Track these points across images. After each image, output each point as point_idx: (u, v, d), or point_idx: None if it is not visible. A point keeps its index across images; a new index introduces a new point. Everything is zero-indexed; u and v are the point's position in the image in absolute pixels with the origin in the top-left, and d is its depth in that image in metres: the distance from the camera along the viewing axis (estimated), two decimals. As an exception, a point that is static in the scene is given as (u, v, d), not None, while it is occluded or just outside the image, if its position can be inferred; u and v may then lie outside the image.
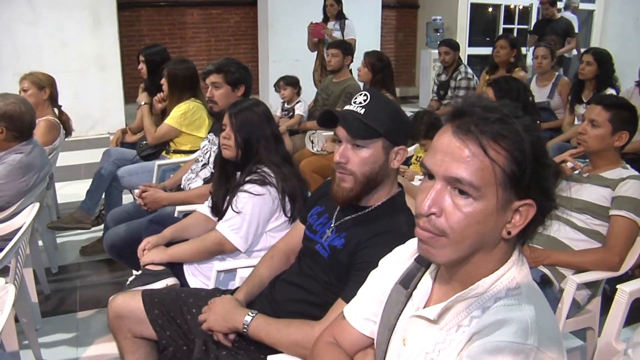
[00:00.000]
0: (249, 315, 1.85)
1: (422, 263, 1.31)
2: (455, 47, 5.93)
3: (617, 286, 2.37)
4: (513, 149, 1.06)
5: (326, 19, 6.66)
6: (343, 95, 4.84)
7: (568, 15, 8.44)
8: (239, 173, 2.49)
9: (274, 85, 5.40)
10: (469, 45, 10.11)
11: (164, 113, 4.03)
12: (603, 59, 4.68)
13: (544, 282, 2.42)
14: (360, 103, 1.74)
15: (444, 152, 1.09)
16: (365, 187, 1.77)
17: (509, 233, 1.10)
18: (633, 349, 1.98)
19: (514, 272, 1.15)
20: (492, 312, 1.10)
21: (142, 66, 4.47)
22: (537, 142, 1.09)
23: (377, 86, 4.45)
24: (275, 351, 1.80)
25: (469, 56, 9.99)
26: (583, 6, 11.37)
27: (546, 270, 2.48)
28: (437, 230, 1.09)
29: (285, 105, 5.23)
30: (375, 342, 1.38)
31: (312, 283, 1.91)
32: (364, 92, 1.77)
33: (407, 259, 1.36)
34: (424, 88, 9.59)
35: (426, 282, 1.27)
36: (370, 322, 1.41)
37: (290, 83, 5.18)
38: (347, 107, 1.77)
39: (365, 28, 8.50)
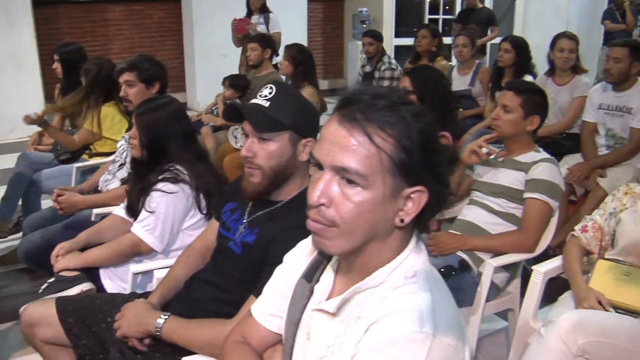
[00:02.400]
0: (161, 317, 1.81)
1: (324, 256, 1.29)
2: (378, 37, 5.94)
3: (532, 267, 2.44)
4: (400, 136, 1.05)
5: (250, 13, 6.58)
6: (266, 89, 4.79)
7: None
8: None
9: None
10: (396, 36, 10.18)
11: (79, 112, 3.91)
12: (520, 47, 4.80)
13: (462, 267, 2.47)
14: (266, 96, 1.71)
15: (331, 141, 1.07)
16: (274, 181, 1.75)
17: (402, 221, 1.10)
18: (546, 327, 2.04)
19: (412, 260, 1.14)
20: (388, 301, 1.09)
21: (57, 66, 4.31)
22: (426, 128, 1.08)
23: (299, 79, 4.44)
24: (191, 352, 1.77)
25: (396, 47, 10.07)
26: (506, -5, 11.70)
27: (464, 255, 2.53)
28: (327, 221, 1.08)
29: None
30: (283, 337, 1.37)
31: (226, 281, 1.88)
32: (269, 85, 1.74)
33: (311, 253, 1.34)
34: (353, 79, 9.61)
35: (328, 275, 1.26)
36: (277, 318, 1.39)
37: (233, 85, 5.09)
38: (252, 101, 1.74)
39: (291, 21, 8.45)
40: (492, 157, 2.74)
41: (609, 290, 2.21)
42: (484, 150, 2.65)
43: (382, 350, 1.02)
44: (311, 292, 1.28)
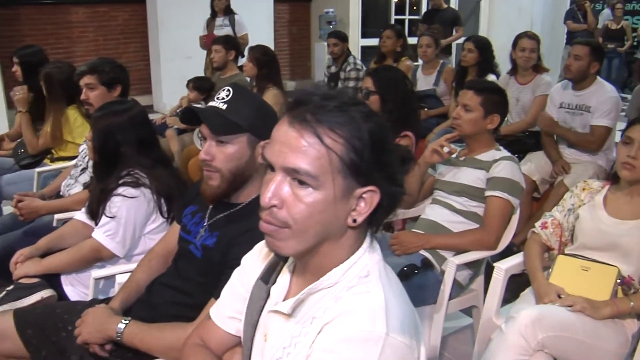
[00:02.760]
0: (122, 322, 1.80)
1: (280, 257, 1.30)
2: (343, 38, 5.95)
3: (494, 264, 2.47)
4: (350, 137, 1.05)
5: (214, 15, 6.56)
6: (231, 91, 4.77)
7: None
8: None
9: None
10: (362, 37, 10.24)
11: (42, 114, 3.85)
12: (483, 46, 4.87)
13: (425, 266, 2.49)
14: (223, 99, 1.71)
15: (282, 142, 1.07)
16: (233, 183, 1.75)
17: (354, 221, 1.10)
18: (506, 324, 2.07)
19: (366, 259, 1.15)
20: (342, 301, 1.10)
21: (17, 68, 4.24)
22: (377, 129, 1.09)
23: (264, 81, 4.42)
24: (153, 357, 1.76)
25: (363, 47, 10.13)
26: (471, -4, 11.83)
27: (427, 254, 2.55)
28: (279, 222, 1.08)
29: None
30: (242, 340, 1.36)
31: (188, 284, 1.87)
32: (226, 88, 1.74)
33: (268, 254, 1.34)
34: (320, 80, 9.65)
35: (284, 276, 1.27)
36: (236, 320, 1.39)
37: (197, 87, 5.06)
38: (210, 104, 1.74)
39: (258, 22, 8.46)
40: (453, 156, 2.77)
41: (568, 285, 2.25)
42: (446, 149, 2.68)
43: (336, 350, 1.03)
44: (268, 293, 1.28)
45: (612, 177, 2.41)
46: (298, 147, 1.05)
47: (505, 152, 2.69)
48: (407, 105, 3.11)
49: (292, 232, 1.08)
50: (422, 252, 2.56)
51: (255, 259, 1.38)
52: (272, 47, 8.89)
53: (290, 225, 1.07)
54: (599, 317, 2.10)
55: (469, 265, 2.60)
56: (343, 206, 1.08)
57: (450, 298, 2.56)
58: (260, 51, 4.55)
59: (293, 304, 1.16)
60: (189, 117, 1.77)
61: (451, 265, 2.46)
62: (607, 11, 9.53)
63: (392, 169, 1.12)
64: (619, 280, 2.22)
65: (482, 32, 11.67)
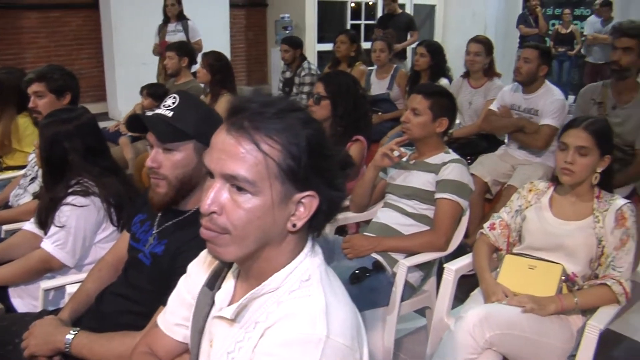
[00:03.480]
0: (70, 333, 1.79)
1: (225, 263, 1.31)
2: (295, 45, 5.98)
3: (444, 265, 2.52)
4: (287, 143, 1.07)
5: (167, 20, 6.52)
6: (185, 97, 4.76)
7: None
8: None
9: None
10: (319, 42, 10.29)
11: None
12: (435, 51, 4.97)
13: (377, 269, 2.52)
14: (169, 106, 1.72)
15: (220, 149, 1.09)
16: (180, 190, 1.75)
17: (294, 225, 1.12)
18: (455, 323, 2.12)
19: (307, 263, 1.17)
20: (283, 305, 1.12)
21: (-41, 76, 4.14)
22: (315, 134, 1.11)
23: (217, 87, 4.41)
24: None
25: (319, 52, 10.18)
26: (425, 1, 11.98)
27: (378, 257, 2.59)
28: (219, 229, 1.09)
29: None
30: (189, 346, 1.37)
31: (137, 293, 1.87)
32: (172, 95, 1.75)
33: (213, 261, 1.35)
34: (276, 85, 9.65)
35: (229, 282, 1.28)
36: (182, 327, 1.40)
37: (151, 94, 5.00)
38: (156, 111, 1.74)
39: (214, 28, 8.43)
40: (404, 159, 2.81)
41: (515, 283, 2.31)
42: (396, 153, 2.71)
43: (276, 353, 1.05)
44: (213, 299, 1.29)
45: (555, 179, 2.48)
46: (236, 154, 1.07)
47: (454, 155, 2.74)
48: (358, 110, 3.15)
49: (232, 238, 1.10)
50: (374, 255, 2.59)
51: (201, 266, 1.39)
52: (228, 53, 8.94)
53: (230, 231, 1.09)
54: (544, 314, 2.17)
55: (420, 266, 2.64)
56: (282, 211, 1.10)
57: (403, 300, 2.59)
58: (213, 57, 4.54)
59: (236, 309, 1.17)
60: (136, 124, 1.77)
61: (402, 267, 2.50)
62: (592, 18, 9.78)
63: (330, 174, 1.14)
64: (563, 278, 2.29)
65: (437, 36, 11.86)
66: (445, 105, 2.75)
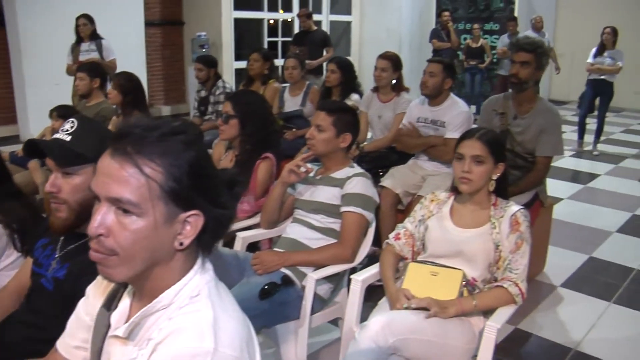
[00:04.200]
0: None
1: (121, 283, 1.33)
2: (209, 63, 5.99)
3: (351, 276, 2.60)
4: (169, 165, 1.12)
5: (79, 40, 6.43)
6: (97, 119, 4.67)
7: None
8: None
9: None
10: (237, 59, 10.32)
11: None
12: (345, 67, 5.10)
13: (286, 283, 2.57)
14: (67, 130, 1.73)
15: (105, 174, 1.13)
16: (81, 214, 1.75)
17: (181, 244, 1.17)
18: (359, 332, 2.19)
19: (197, 280, 1.21)
20: (173, 321, 1.16)
21: None
22: (197, 156, 1.16)
23: (129, 108, 4.37)
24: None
25: (237, 70, 10.21)
26: (341, 18, 12.22)
27: (287, 271, 2.64)
28: (107, 251, 1.13)
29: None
30: None
31: (41, 319, 1.85)
32: (70, 120, 1.76)
33: (110, 283, 1.38)
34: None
35: (125, 301, 1.30)
36: (82, 350, 1.42)
37: (62, 116, 4.88)
38: (54, 135, 1.75)
39: (129, 47, 8.36)
40: (311, 175, 2.89)
41: (419, 290, 2.40)
42: (302, 168, 2.78)
43: None
44: (110, 320, 1.31)
45: (454, 189, 2.60)
46: (120, 177, 1.11)
47: (358, 169, 2.83)
48: (267, 128, 3.21)
49: (120, 259, 1.13)
50: (283, 269, 2.64)
51: (98, 288, 1.42)
52: (145, 72, 8.84)
53: (117, 252, 1.12)
54: (445, 316, 2.27)
55: (329, 279, 2.70)
56: (167, 231, 1.15)
57: (314, 312, 2.66)
58: (124, 78, 4.50)
59: (128, 327, 1.20)
60: (32, 149, 1.77)
61: (310, 280, 2.57)
62: (504, 37, 10.24)
63: (214, 193, 1.19)
64: (464, 282, 2.40)
65: (354, 52, 12.12)
66: (348, 121, 2.84)
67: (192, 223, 1.16)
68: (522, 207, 2.51)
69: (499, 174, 2.49)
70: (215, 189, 1.20)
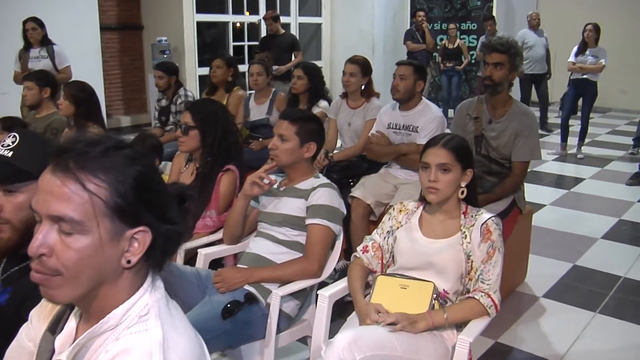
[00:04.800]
0: None
1: (68, 305, 1.34)
2: (170, 70, 5.92)
3: (318, 292, 2.64)
4: (114, 181, 1.15)
5: (28, 46, 6.37)
6: (48, 131, 4.67)
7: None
8: None
9: None
10: (200, 66, 10.29)
11: None
12: (312, 72, 5.13)
13: (249, 300, 2.59)
14: (9, 145, 1.73)
15: (45, 191, 1.15)
16: (25, 234, 1.75)
17: (128, 262, 1.19)
18: (325, 349, 2.23)
19: (146, 299, 1.24)
20: (121, 341, 1.18)
21: None
22: (142, 171, 1.19)
23: (82, 119, 4.34)
24: None
25: (201, 76, 10.17)
26: (311, 20, 12.29)
27: (251, 288, 2.66)
28: (50, 271, 1.14)
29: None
30: None
31: None
32: (12, 134, 1.76)
33: (55, 306, 1.39)
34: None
35: (71, 323, 1.32)
36: None
37: (7, 128, 4.85)
38: None
39: (84, 53, 8.27)
40: (275, 186, 2.93)
41: (388, 303, 2.44)
42: (265, 180, 2.81)
43: None
44: (54, 344, 1.33)
45: (423, 199, 2.65)
46: (61, 194, 1.13)
47: (323, 180, 2.88)
48: (228, 139, 3.25)
49: (64, 279, 1.15)
50: (247, 286, 2.66)
51: (43, 311, 1.42)
52: (101, 80, 8.77)
53: (61, 272, 1.14)
54: (415, 331, 2.31)
55: (295, 295, 2.74)
56: (113, 248, 1.17)
57: (280, 331, 2.69)
58: (76, 87, 4.46)
59: (72, 350, 1.22)
60: None
61: (275, 297, 2.59)
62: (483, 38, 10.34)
63: (162, 208, 1.23)
64: (435, 295, 2.44)
65: (325, 55, 12.18)
66: (312, 129, 2.88)
67: (139, 240, 1.19)
68: (493, 215, 2.56)
69: (467, 181, 2.55)
70: (163, 204, 1.23)
